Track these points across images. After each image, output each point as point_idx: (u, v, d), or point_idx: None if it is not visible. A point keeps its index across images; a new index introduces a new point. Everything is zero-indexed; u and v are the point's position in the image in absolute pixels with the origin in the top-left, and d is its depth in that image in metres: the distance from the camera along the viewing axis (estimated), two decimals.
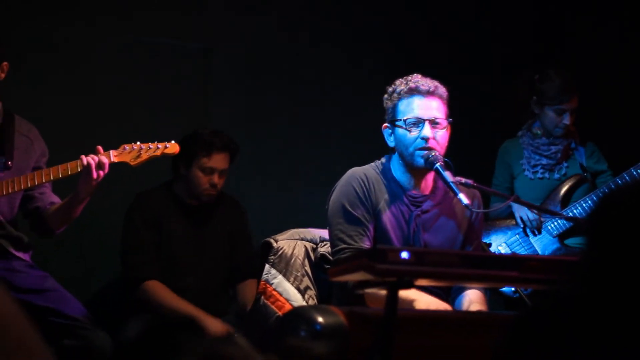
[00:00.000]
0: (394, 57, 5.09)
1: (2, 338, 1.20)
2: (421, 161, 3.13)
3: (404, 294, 2.75)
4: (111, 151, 3.53)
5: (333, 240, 3.15)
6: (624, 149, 4.60)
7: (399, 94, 3.18)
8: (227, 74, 4.90)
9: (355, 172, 3.21)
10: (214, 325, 3.90)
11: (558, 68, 4.54)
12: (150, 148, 3.58)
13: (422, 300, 3.01)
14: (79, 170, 3.47)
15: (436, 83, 3.19)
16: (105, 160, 3.47)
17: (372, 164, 3.27)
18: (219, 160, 4.12)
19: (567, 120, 4.41)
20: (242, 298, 4.16)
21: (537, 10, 5.42)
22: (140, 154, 3.57)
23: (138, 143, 3.58)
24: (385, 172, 3.22)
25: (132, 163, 3.57)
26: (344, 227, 3.12)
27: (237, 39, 4.90)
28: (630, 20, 5.09)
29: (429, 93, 3.17)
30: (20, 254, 3.60)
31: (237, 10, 4.89)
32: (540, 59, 5.11)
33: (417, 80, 3.18)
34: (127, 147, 3.56)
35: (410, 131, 3.14)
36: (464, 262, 2.47)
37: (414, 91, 3.17)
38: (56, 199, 3.69)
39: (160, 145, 3.60)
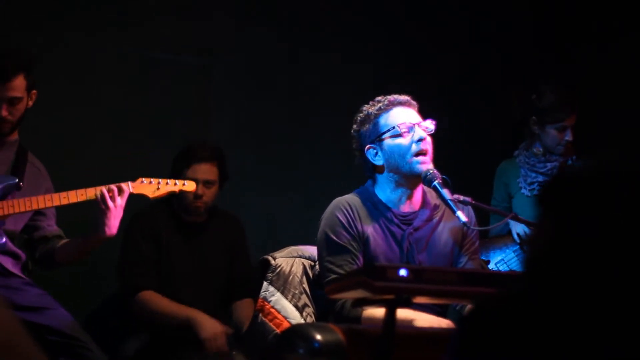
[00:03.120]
0: (395, 69, 5.11)
1: (6, 352, 1.20)
2: (420, 168, 3.12)
3: (402, 315, 2.75)
4: (129, 182, 3.55)
5: (323, 272, 3.14)
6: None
7: (378, 110, 3.19)
8: (227, 87, 4.92)
9: (338, 201, 3.19)
10: (213, 325, 3.91)
11: (552, 84, 4.55)
12: (168, 184, 3.64)
13: (422, 319, 3.00)
14: (95, 196, 3.47)
15: (409, 97, 3.24)
16: (125, 188, 3.50)
17: (355, 191, 3.25)
18: (200, 171, 4.11)
19: (569, 136, 4.43)
20: (238, 318, 4.15)
21: (535, 30, 5.44)
22: (159, 188, 3.62)
23: (155, 178, 3.62)
24: (370, 196, 3.20)
25: (150, 196, 3.61)
26: (332, 258, 3.11)
27: (237, 52, 4.92)
28: (628, 33, 5.11)
29: (407, 103, 3.22)
30: (18, 272, 3.59)
31: (237, 24, 4.91)
32: (538, 77, 5.12)
33: (392, 95, 3.22)
34: (145, 180, 3.59)
35: (403, 137, 3.14)
36: (462, 279, 2.48)
37: (393, 103, 3.20)
38: (61, 232, 3.71)
39: (178, 182, 3.66)
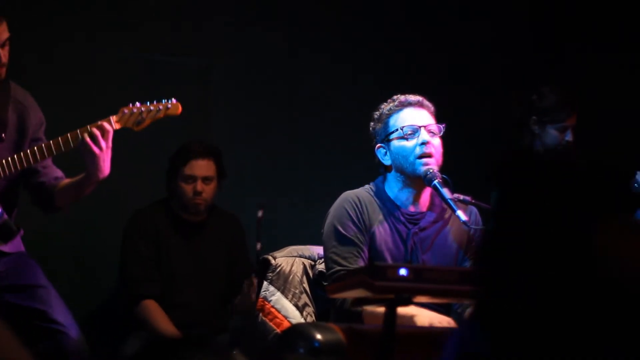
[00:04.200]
0: (395, 73, 5.11)
1: None
2: (422, 170, 3.14)
3: (403, 310, 2.76)
4: (111, 117, 3.37)
5: (328, 263, 3.16)
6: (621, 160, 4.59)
7: (389, 110, 3.22)
8: (227, 89, 4.91)
9: (347, 195, 3.22)
10: None
11: (552, 85, 4.54)
12: (151, 110, 3.42)
13: (423, 315, 3.01)
14: (78, 141, 3.31)
15: (423, 97, 3.25)
16: (107, 127, 3.32)
17: (365, 186, 3.28)
18: (198, 167, 4.12)
19: (569, 137, 4.43)
20: (243, 302, 4.13)
21: (534, 30, 5.43)
22: (142, 117, 3.42)
23: (137, 104, 3.43)
24: (380, 193, 3.23)
25: (135, 129, 3.43)
26: (337, 250, 3.12)
27: (237, 53, 4.92)
28: (627, 35, 5.11)
29: (418, 104, 3.22)
30: (7, 248, 3.40)
31: (237, 25, 4.90)
32: (538, 76, 5.12)
33: (405, 96, 3.24)
34: (127, 110, 3.41)
35: (407, 139, 3.16)
36: (462, 278, 2.48)
37: (404, 104, 3.22)
38: (60, 173, 3.54)
39: (161, 107, 3.44)
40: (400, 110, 3.21)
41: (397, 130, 3.18)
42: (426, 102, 3.25)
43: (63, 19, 4.49)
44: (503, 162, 1.41)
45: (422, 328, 2.93)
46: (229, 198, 4.46)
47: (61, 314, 3.39)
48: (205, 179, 4.13)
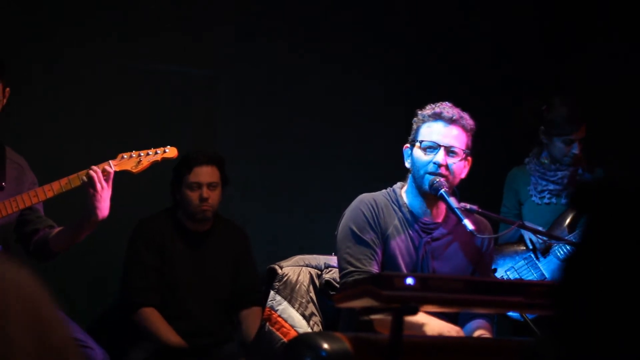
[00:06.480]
0: (402, 82, 5.11)
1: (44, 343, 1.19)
2: (428, 183, 3.14)
3: (413, 318, 2.74)
4: (110, 161, 3.51)
5: (341, 263, 3.16)
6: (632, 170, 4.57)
7: (424, 117, 3.22)
8: (233, 99, 4.92)
9: (364, 197, 3.24)
10: None
11: (563, 96, 4.54)
12: (149, 154, 3.57)
13: (432, 324, 3.01)
14: (81, 181, 3.44)
15: (463, 114, 3.22)
16: (109, 169, 3.45)
17: (383, 190, 3.29)
18: (202, 174, 4.13)
19: (575, 149, 4.42)
20: (246, 326, 4.15)
21: (545, 36, 5.42)
22: (141, 160, 3.56)
23: (135, 151, 3.57)
24: (397, 198, 3.24)
25: (134, 171, 3.56)
26: (352, 251, 3.13)
27: (243, 64, 4.93)
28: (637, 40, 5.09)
29: (451, 121, 3.18)
30: None
31: (242, 35, 4.92)
32: (548, 86, 5.11)
33: (444, 107, 3.21)
34: (125, 155, 3.55)
35: (425, 154, 3.16)
36: (469, 288, 2.47)
37: (437, 117, 3.20)
38: (52, 223, 3.65)
39: (159, 151, 3.59)
40: (432, 122, 3.19)
41: (419, 141, 3.19)
42: (463, 121, 3.20)
43: (68, 30, 4.51)
44: (593, 190, 1.40)
45: (431, 337, 2.92)
46: (233, 207, 4.46)
47: (74, 330, 3.45)
48: (210, 185, 4.15)
